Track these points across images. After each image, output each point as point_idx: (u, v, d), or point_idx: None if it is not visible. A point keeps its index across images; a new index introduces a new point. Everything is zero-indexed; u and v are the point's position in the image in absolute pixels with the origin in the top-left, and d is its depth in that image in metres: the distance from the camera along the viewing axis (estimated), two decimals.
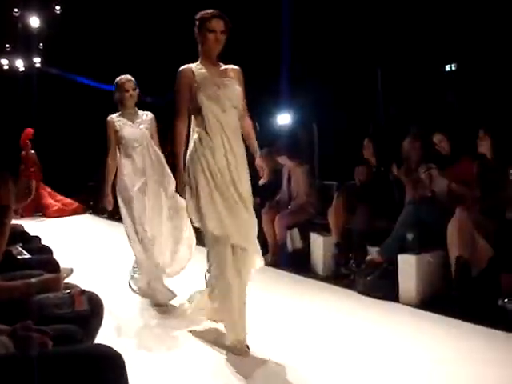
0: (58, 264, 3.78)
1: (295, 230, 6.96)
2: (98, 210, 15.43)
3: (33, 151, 14.24)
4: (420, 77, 8.53)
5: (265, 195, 7.40)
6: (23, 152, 14.14)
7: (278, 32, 8.89)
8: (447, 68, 8.69)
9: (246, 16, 10.43)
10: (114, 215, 13.74)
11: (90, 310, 2.54)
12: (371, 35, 8.50)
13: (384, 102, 9.14)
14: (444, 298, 4.90)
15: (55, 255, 4.27)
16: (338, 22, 8.95)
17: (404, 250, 5.22)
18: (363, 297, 5.34)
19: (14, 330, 2.11)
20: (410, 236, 5.23)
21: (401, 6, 8.19)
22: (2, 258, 2.92)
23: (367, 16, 8.52)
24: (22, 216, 12.63)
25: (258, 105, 10.94)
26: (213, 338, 4.22)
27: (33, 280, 2.60)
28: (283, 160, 7.12)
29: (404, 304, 5.08)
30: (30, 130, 14.16)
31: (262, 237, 7.15)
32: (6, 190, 3.01)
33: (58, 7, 14.09)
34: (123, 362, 2.02)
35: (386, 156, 6.18)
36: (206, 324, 4.52)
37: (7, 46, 15.66)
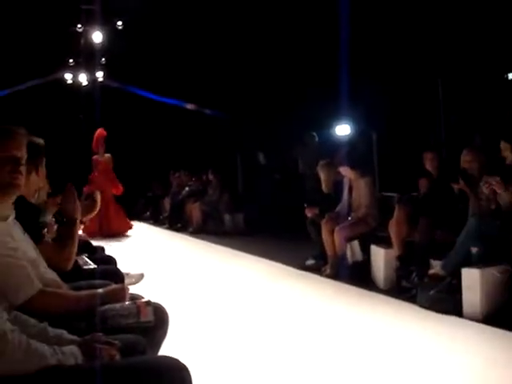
0: (122, 274, 3.84)
1: (355, 242, 6.88)
2: (157, 220, 15.72)
3: (108, 154, 13.01)
4: (482, 85, 8.37)
5: (324, 206, 7.38)
6: (96, 157, 12.96)
7: (336, 41, 8.85)
8: (511, 76, 8.51)
9: (304, 26, 10.47)
10: (174, 225, 14.02)
11: (155, 321, 2.55)
12: (432, 45, 8.39)
13: (445, 112, 9.01)
14: (509, 313, 4.77)
15: (119, 265, 4.36)
16: (398, 32, 8.88)
17: (468, 264, 5.10)
18: (425, 311, 5.22)
19: (84, 340, 2.15)
20: (474, 250, 5.12)
21: (462, 16, 8.07)
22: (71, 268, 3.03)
23: (428, 26, 8.42)
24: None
25: (316, 116, 10.98)
26: (290, 352, 4.19)
27: (99, 290, 2.65)
28: (345, 171, 7.07)
29: (468, 319, 4.94)
30: (102, 131, 12.96)
31: (321, 248, 7.17)
32: (72, 203, 3.12)
33: (119, 23, 14.44)
34: (190, 375, 2.03)
35: (448, 168, 6.07)
36: (276, 336, 4.51)
37: (71, 60, 16.09)
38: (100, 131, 12.90)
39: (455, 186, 5.67)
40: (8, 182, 2.44)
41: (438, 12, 8.34)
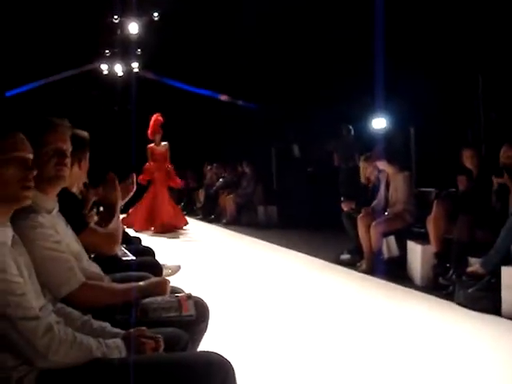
0: (161, 266, 3.85)
1: (391, 238, 6.80)
2: (190, 211, 15.81)
3: (165, 143, 12.00)
4: None
5: (361, 201, 7.32)
6: (151, 145, 11.96)
7: (372, 34, 8.74)
8: None
9: (341, 17, 10.37)
10: (207, 216, 14.08)
11: (197, 315, 2.56)
12: (473, 40, 8.25)
13: (484, 108, 8.86)
14: None
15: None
16: (439, 25, 8.74)
17: (508, 263, 5.01)
18: (463, 309, 5.15)
19: (129, 334, 2.16)
20: None
21: (503, 11, 7.92)
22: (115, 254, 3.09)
23: (469, 21, 8.28)
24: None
25: (352, 109, 10.89)
26: (327, 347, 4.17)
27: (142, 283, 2.66)
28: (383, 165, 7.00)
29: (506, 318, 4.85)
30: (158, 117, 11.91)
31: (357, 243, 7.13)
32: (114, 193, 3.17)
33: (155, 14, 14.48)
34: (233, 371, 2.03)
35: (488, 165, 5.96)
36: (313, 331, 4.50)
37: (107, 51, 16.19)
38: (156, 117, 11.91)
39: (498, 181, 5.55)
40: (54, 175, 2.46)
41: (479, 6, 8.18)
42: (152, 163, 11.86)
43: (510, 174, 5.35)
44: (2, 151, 1.99)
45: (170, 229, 11.51)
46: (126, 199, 3.81)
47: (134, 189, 3.79)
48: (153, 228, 11.62)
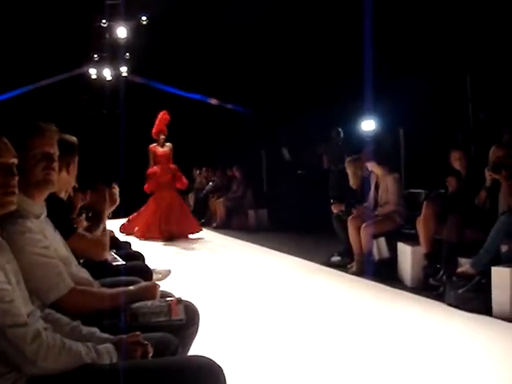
0: (151, 271, 3.84)
1: (382, 239, 6.83)
2: None
3: (169, 143, 11.12)
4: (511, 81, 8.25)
5: (350, 203, 7.33)
6: (153, 146, 11.04)
7: (361, 36, 8.78)
8: None
9: (329, 21, 10.39)
10: (197, 220, 14.03)
11: (187, 319, 2.54)
12: (461, 40, 8.29)
13: (473, 108, 8.90)
14: None
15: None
16: (426, 26, 8.78)
17: (498, 263, 5.03)
18: (453, 309, 5.16)
19: (121, 339, 2.15)
20: (504, 248, 5.06)
21: (491, 11, 7.96)
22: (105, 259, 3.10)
23: (456, 21, 8.32)
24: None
25: (341, 111, 10.91)
26: (317, 349, 4.17)
27: (131, 288, 2.65)
28: (372, 166, 7.01)
29: (497, 318, 4.87)
30: (165, 115, 11.05)
31: (347, 245, 7.13)
32: (102, 202, 3.17)
33: (144, 18, 14.47)
34: (224, 375, 2.02)
35: (477, 165, 5.98)
36: (303, 334, 4.50)
37: (95, 55, 16.15)
38: (163, 115, 11.02)
39: (492, 175, 5.52)
40: (41, 179, 2.45)
41: (466, 6, 8.23)
42: (155, 166, 11.05)
43: (499, 173, 5.36)
44: None
45: (181, 236, 10.72)
46: (113, 208, 3.80)
47: (118, 201, 3.78)
48: (158, 235, 10.65)
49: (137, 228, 11.05)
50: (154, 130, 10.91)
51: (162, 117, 10.94)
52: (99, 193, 3.20)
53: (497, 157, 5.54)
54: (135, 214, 11.43)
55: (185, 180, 11.28)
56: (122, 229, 11.21)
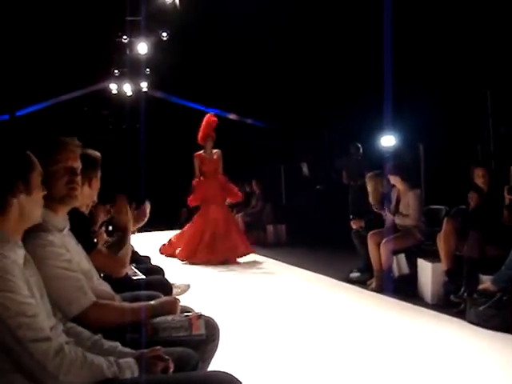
0: (171, 285, 3.85)
1: (402, 256, 6.76)
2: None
3: (217, 150, 9.77)
4: None
5: (371, 218, 7.29)
6: (200, 153, 9.69)
7: (381, 51, 8.79)
8: None
9: (349, 36, 10.42)
10: None
11: (207, 335, 2.55)
12: (480, 56, 8.27)
13: (493, 124, 8.86)
14: None
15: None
16: (446, 42, 8.77)
17: None
18: (474, 327, 5.09)
19: (142, 354, 2.15)
20: None
21: (510, 27, 7.94)
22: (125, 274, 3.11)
23: (476, 37, 8.30)
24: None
25: (360, 127, 10.91)
26: (338, 366, 4.14)
27: (152, 302, 2.65)
28: (396, 180, 6.94)
29: None
30: (212, 117, 9.80)
31: (367, 261, 7.09)
32: (124, 214, 3.18)
33: (164, 34, 14.60)
34: None
35: (499, 181, 5.94)
36: (324, 350, 4.47)
37: (116, 71, 16.31)
38: (210, 117, 9.77)
39: (510, 197, 5.50)
40: (65, 194, 2.48)
41: (486, 23, 8.21)
42: (202, 178, 9.71)
43: None
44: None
45: (230, 260, 9.35)
46: (140, 225, 3.84)
47: (147, 218, 3.82)
48: (203, 259, 9.30)
49: (179, 249, 9.74)
50: (200, 135, 9.61)
51: (209, 120, 9.68)
52: (118, 204, 3.21)
53: None
54: (177, 234, 10.37)
55: (238, 192, 10.01)
56: (163, 250, 10.17)
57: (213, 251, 9.33)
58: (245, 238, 9.97)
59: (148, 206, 3.78)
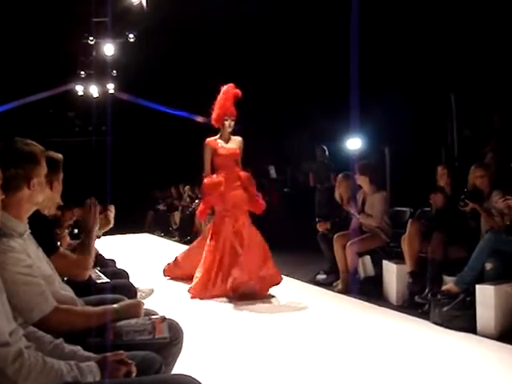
0: (135, 289, 3.82)
1: (367, 257, 6.82)
2: (167, 232, 15.70)
3: (238, 138, 7.02)
4: (495, 99, 8.36)
5: (335, 220, 7.33)
6: (212, 140, 6.92)
7: (347, 55, 8.87)
8: None
9: (316, 40, 10.48)
10: (183, 238, 14.01)
11: (170, 338, 2.54)
12: (444, 60, 8.40)
13: (458, 126, 9.00)
14: None
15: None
16: (410, 46, 8.89)
17: (482, 281, 5.05)
18: (438, 327, 5.16)
19: (105, 358, 2.13)
20: (488, 266, 5.07)
21: (475, 31, 8.08)
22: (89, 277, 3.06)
23: (440, 40, 8.43)
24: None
25: (326, 129, 10.99)
26: (301, 368, 4.15)
27: (115, 306, 2.63)
28: (363, 181, 6.97)
29: (482, 336, 4.87)
30: (234, 89, 6.89)
31: (333, 263, 7.13)
32: (93, 218, 3.16)
33: (131, 35, 14.52)
34: None
35: (462, 183, 6.03)
36: (288, 352, 4.48)
37: (82, 72, 16.16)
38: (231, 88, 6.94)
39: (465, 209, 5.60)
40: None
41: (450, 26, 8.34)
42: (213, 174, 6.98)
43: (474, 199, 5.42)
44: None
45: (257, 295, 6.53)
46: (105, 230, 3.80)
47: (111, 224, 3.78)
48: (218, 292, 6.61)
49: (192, 285, 6.84)
50: (216, 113, 6.89)
51: (229, 91, 6.92)
52: (87, 208, 3.18)
53: (475, 177, 5.63)
54: (185, 251, 8.29)
55: (261, 201, 7.13)
56: (168, 272, 8.17)
57: (229, 281, 6.56)
58: (273, 263, 6.93)
59: (112, 211, 3.74)
